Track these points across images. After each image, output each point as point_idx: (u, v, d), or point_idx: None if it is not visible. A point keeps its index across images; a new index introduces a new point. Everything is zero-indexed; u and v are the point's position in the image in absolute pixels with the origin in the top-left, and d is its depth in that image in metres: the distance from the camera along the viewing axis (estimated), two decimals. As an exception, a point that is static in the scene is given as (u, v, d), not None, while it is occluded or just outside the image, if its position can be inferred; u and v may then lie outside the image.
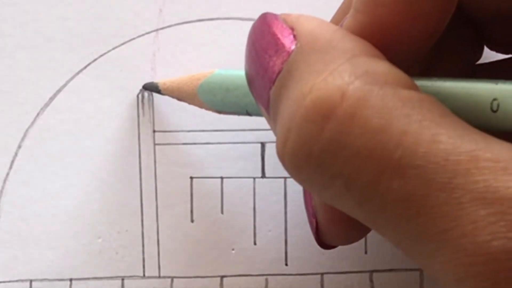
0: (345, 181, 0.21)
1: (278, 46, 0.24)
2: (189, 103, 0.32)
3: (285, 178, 0.34)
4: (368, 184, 0.21)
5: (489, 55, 0.31)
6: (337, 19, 0.29)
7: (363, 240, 0.35)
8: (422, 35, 0.23)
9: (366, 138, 0.21)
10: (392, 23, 0.23)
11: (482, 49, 0.30)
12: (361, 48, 0.23)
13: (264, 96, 0.24)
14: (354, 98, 0.21)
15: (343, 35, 0.23)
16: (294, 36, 0.23)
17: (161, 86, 0.33)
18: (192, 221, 0.34)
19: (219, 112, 0.31)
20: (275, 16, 0.25)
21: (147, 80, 0.34)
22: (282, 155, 0.23)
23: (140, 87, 0.34)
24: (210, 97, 0.31)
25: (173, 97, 0.33)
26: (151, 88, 0.33)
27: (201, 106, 0.32)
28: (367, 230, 0.28)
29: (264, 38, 0.24)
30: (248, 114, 0.30)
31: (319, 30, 0.23)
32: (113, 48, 0.34)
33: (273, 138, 0.34)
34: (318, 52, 0.23)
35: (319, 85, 0.21)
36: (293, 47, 0.23)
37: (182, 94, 0.32)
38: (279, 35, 0.24)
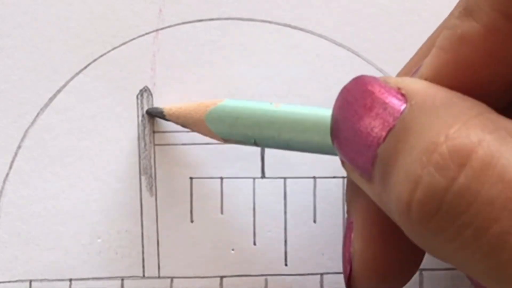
0: (475, 231, 0.21)
1: (386, 105, 0.24)
2: (194, 130, 0.32)
3: (284, 178, 0.34)
4: (501, 234, 0.20)
5: None
6: (410, 67, 0.29)
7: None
8: (510, 77, 0.24)
9: (503, 187, 0.20)
10: (477, 62, 0.23)
11: None
12: (482, 107, 0.23)
13: (365, 156, 0.24)
14: (490, 148, 0.21)
15: (458, 95, 0.23)
16: (402, 95, 0.23)
17: (166, 112, 0.33)
18: (192, 221, 0.34)
19: (225, 141, 0.31)
20: (374, 77, 0.25)
21: (147, 80, 0.34)
22: (408, 203, 0.22)
23: (140, 87, 0.34)
24: (218, 125, 0.31)
25: (177, 123, 0.33)
26: (155, 113, 0.33)
27: (206, 134, 0.32)
28: (402, 283, 0.28)
29: (365, 98, 0.24)
30: (256, 144, 0.30)
31: (432, 90, 0.24)
32: (113, 49, 0.34)
33: (273, 138, 0.34)
34: (439, 108, 0.23)
35: (454, 135, 0.22)
36: (403, 105, 0.23)
37: (188, 120, 0.32)
38: (386, 94, 0.24)
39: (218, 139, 0.31)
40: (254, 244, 0.35)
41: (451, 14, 0.27)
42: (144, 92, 0.34)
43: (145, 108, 0.34)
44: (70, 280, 0.34)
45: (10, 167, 0.34)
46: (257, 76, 0.34)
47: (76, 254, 0.34)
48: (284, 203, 0.35)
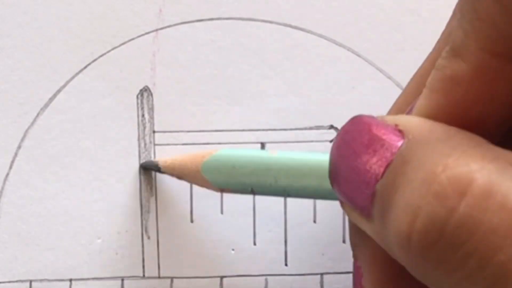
0: (479, 260, 0.21)
1: (383, 141, 0.24)
2: (190, 181, 0.32)
3: (285, 178, 0.34)
4: (505, 263, 0.20)
5: None
6: (399, 105, 0.29)
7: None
8: (502, 114, 0.24)
9: (505, 215, 0.20)
10: (469, 101, 0.23)
11: None
12: (480, 139, 0.23)
13: (363, 193, 0.24)
14: (491, 176, 0.21)
15: (455, 128, 0.23)
16: (400, 131, 0.24)
17: (161, 164, 0.33)
18: (192, 221, 0.34)
19: (222, 190, 0.31)
20: (371, 116, 0.25)
21: (147, 80, 0.34)
22: (408, 235, 0.22)
23: (140, 87, 0.34)
24: (215, 175, 0.31)
25: (173, 175, 0.33)
26: (150, 166, 0.33)
27: (203, 185, 0.32)
28: None
29: (363, 136, 0.24)
30: (253, 192, 0.30)
31: (428, 124, 0.24)
32: (113, 48, 0.34)
33: (273, 138, 0.34)
34: (437, 140, 0.23)
35: (453, 164, 0.21)
36: (401, 141, 0.23)
37: (184, 171, 0.32)
38: (383, 131, 0.24)
39: (214, 189, 0.32)
40: (254, 244, 0.35)
41: (436, 49, 0.27)
42: (144, 92, 0.34)
43: (145, 107, 0.34)
44: (70, 280, 0.34)
45: (10, 167, 0.34)
46: (257, 76, 0.34)
47: (76, 254, 0.34)
48: (284, 203, 0.35)
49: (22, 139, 0.34)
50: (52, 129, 0.34)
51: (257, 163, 0.30)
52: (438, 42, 0.27)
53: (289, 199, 0.34)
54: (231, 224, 0.34)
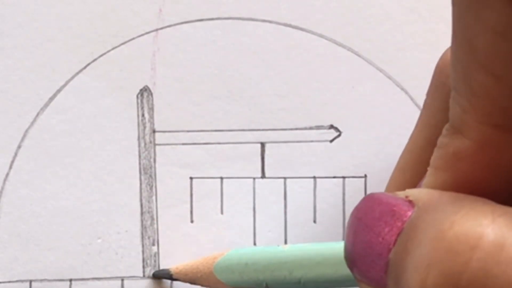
0: None
1: (394, 212, 0.24)
2: (203, 285, 0.32)
3: (284, 178, 0.34)
4: None
5: None
6: (397, 180, 0.29)
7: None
8: (509, 179, 0.24)
9: None
10: (475, 175, 0.23)
11: None
12: (487, 200, 0.23)
13: (378, 265, 0.24)
14: (501, 229, 0.21)
15: (463, 194, 0.23)
16: (410, 202, 0.24)
17: (173, 271, 0.33)
18: (192, 221, 0.34)
19: None
20: (382, 193, 0.25)
21: (147, 79, 0.34)
22: None
23: (141, 87, 0.34)
24: (228, 274, 0.31)
25: (185, 281, 0.33)
26: (162, 275, 0.34)
27: (216, 286, 0.32)
28: None
29: (374, 210, 0.24)
30: (267, 287, 0.31)
31: (437, 192, 0.24)
32: (113, 48, 0.34)
33: (273, 138, 0.34)
34: (446, 203, 0.23)
35: (461, 220, 0.21)
36: (411, 210, 0.23)
37: (197, 275, 0.32)
38: (394, 202, 0.24)
39: None
40: (254, 244, 0.35)
41: (421, 123, 0.27)
42: (144, 91, 0.34)
43: (145, 107, 0.34)
44: (70, 280, 0.34)
45: (10, 167, 0.34)
46: (257, 76, 0.34)
47: (76, 254, 0.34)
48: (284, 203, 0.35)
49: (22, 139, 0.34)
50: (52, 129, 0.34)
51: (270, 258, 0.31)
52: (422, 114, 0.28)
53: (289, 199, 0.34)
54: (231, 224, 0.34)
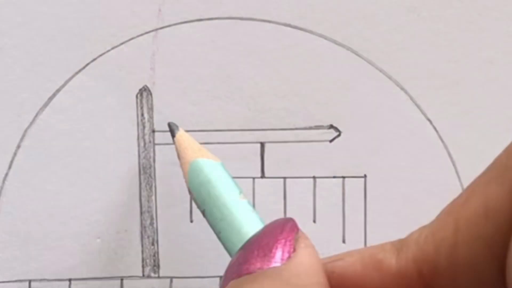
0: None
1: (270, 253, 0.25)
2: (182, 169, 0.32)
3: (284, 178, 0.34)
4: None
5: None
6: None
7: (362, 240, 0.35)
8: None
9: None
10: None
11: None
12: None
13: (228, 275, 0.25)
14: None
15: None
16: (288, 257, 0.25)
17: (177, 134, 0.32)
18: (192, 221, 0.34)
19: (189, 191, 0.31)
20: (295, 227, 0.26)
21: (147, 79, 0.34)
22: None
23: (140, 87, 0.34)
24: (194, 176, 0.31)
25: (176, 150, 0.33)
26: (172, 127, 0.33)
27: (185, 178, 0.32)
28: None
29: (269, 237, 0.26)
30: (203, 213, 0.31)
31: (304, 269, 0.25)
32: (112, 48, 0.34)
33: (273, 138, 0.34)
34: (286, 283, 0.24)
35: None
36: (277, 264, 0.24)
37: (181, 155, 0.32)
38: (278, 246, 0.25)
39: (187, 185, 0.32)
40: (254, 244, 0.35)
41: None
42: (144, 91, 0.34)
43: (145, 107, 0.34)
44: (70, 280, 0.34)
45: (10, 167, 0.34)
46: (257, 75, 0.34)
47: (75, 254, 0.34)
48: (284, 203, 0.35)
49: (22, 139, 0.34)
50: (52, 129, 0.34)
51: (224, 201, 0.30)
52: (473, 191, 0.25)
53: (288, 199, 0.34)
54: (231, 224, 0.34)
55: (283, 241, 0.25)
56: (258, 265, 0.24)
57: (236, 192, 0.30)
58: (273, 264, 0.24)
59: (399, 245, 0.25)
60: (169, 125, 0.33)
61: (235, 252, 0.27)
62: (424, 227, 0.25)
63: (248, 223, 0.29)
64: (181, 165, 0.31)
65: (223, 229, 0.29)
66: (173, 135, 0.32)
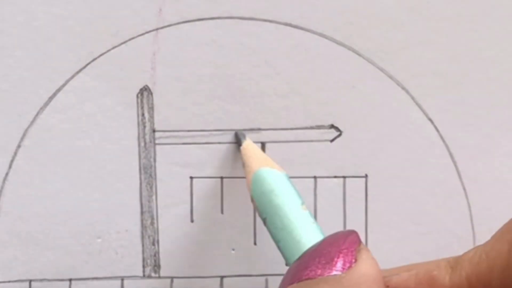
0: None
1: (332, 261, 0.26)
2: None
3: (285, 178, 0.34)
4: None
5: None
6: None
7: (363, 240, 0.35)
8: None
9: None
10: None
11: None
12: None
13: (286, 280, 0.26)
14: None
15: None
16: (349, 266, 0.25)
17: (244, 143, 0.33)
18: (192, 221, 0.34)
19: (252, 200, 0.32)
20: (358, 239, 0.27)
21: (147, 79, 0.34)
22: None
23: (141, 86, 0.34)
24: (257, 185, 0.31)
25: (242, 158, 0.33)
26: (239, 136, 0.34)
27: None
28: None
29: (332, 246, 0.26)
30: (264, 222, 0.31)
31: (365, 279, 0.25)
32: (113, 48, 0.34)
33: (273, 137, 0.34)
34: None
35: None
36: (338, 273, 0.25)
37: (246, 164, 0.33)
38: (340, 255, 0.26)
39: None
40: (255, 244, 0.35)
41: None
42: (144, 91, 0.34)
43: (145, 107, 0.34)
44: (70, 280, 0.34)
45: (10, 167, 0.34)
46: (258, 75, 0.34)
47: (76, 254, 0.34)
48: (285, 202, 0.34)
49: (22, 139, 0.34)
50: (52, 128, 0.34)
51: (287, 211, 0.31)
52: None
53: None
54: (231, 224, 0.34)
55: (345, 250, 0.26)
56: (319, 272, 0.25)
57: (298, 203, 0.30)
58: (334, 272, 0.25)
59: (453, 263, 0.26)
60: (236, 134, 0.33)
61: (293, 261, 0.28)
62: (479, 246, 0.26)
63: (308, 234, 0.29)
64: (246, 174, 0.32)
65: (282, 239, 0.30)
66: (239, 144, 0.33)
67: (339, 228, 0.34)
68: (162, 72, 0.34)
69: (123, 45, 0.34)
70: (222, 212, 0.34)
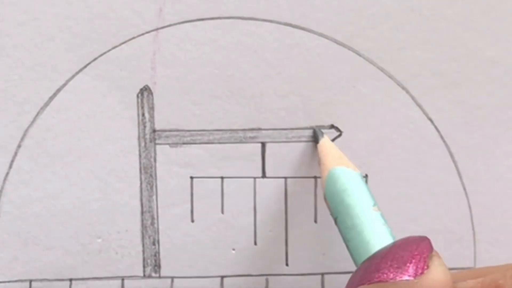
0: None
1: (404, 266, 0.26)
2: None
3: (285, 178, 0.34)
4: None
5: None
6: None
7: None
8: None
9: None
10: None
11: None
12: None
13: (355, 280, 0.27)
14: None
15: None
16: (421, 273, 0.26)
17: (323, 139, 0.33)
18: (192, 220, 0.34)
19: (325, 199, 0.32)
20: (430, 246, 0.27)
21: (148, 79, 0.34)
22: None
23: (141, 86, 0.34)
24: (330, 184, 0.31)
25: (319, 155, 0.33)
26: (318, 132, 0.34)
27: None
28: None
29: (404, 251, 0.27)
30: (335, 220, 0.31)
31: (436, 286, 0.26)
32: (113, 48, 0.34)
33: (273, 137, 0.34)
34: None
35: None
36: (410, 278, 0.26)
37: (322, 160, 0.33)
38: (413, 261, 0.26)
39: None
40: (255, 244, 0.35)
41: None
42: (145, 91, 0.34)
43: (146, 107, 0.34)
44: (70, 280, 0.34)
45: (10, 167, 0.34)
46: (258, 75, 0.34)
47: (76, 254, 0.34)
48: (285, 202, 0.34)
49: (22, 138, 0.34)
50: (52, 128, 0.34)
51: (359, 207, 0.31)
52: None
53: (289, 199, 0.34)
54: (232, 224, 0.34)
55: (418, 256, 0.26)
56: (391, 275, 0.26)
57: (370, 204, 0.30)
58: (405, 277, 0.25)
59: None
60: (314, 131, 0.34)
61: (361, 262, 0.28)
62: None
63: (378, 235, 0.29)
64: (321, 172, 0.32)
65: (352, 238, 0.30)
66: (316, 142, 0.33)
67: (339, 228, 0.34)
68: (162, 72, 0.34)
69: (123, 45, 0.34)
70: (222, 212, 0.34)
